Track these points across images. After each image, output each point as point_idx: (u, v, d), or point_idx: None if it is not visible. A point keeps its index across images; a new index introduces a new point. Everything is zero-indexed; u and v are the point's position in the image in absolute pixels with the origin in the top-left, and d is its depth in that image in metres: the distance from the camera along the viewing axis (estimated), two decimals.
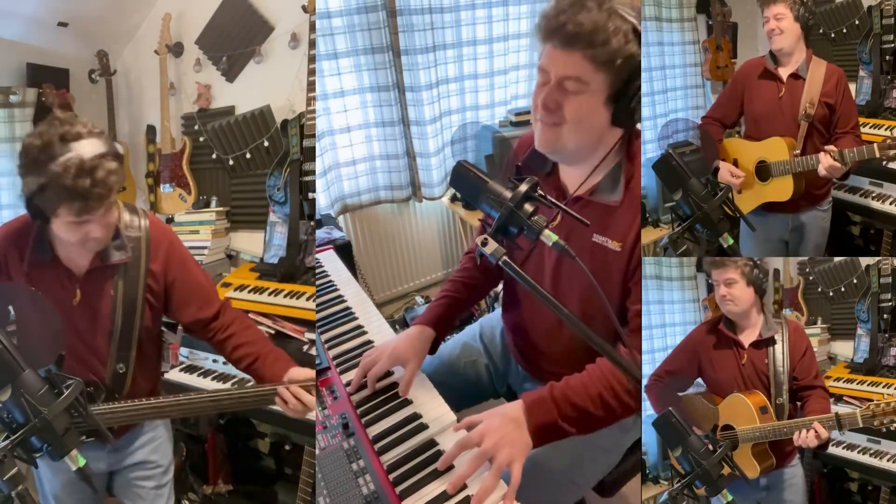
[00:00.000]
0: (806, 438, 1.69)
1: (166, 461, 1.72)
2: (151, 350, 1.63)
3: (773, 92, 2.06)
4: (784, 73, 2.04)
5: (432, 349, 1.58)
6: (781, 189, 2.03)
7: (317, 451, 1.31)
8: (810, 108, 1.97)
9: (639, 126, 1.37)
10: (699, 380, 2.03)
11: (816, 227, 2.15)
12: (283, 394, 1.42)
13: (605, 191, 1.35)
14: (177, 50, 2.56)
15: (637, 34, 1.20)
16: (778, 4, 1.97)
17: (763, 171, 2.05)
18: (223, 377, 2.20)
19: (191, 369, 2.26)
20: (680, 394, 2.00)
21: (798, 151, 1.99)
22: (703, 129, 2.14)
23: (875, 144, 1.85)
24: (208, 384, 2.19)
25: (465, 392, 1.74)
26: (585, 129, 1.26)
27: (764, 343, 1.87)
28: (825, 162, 1.88)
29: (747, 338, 1.90)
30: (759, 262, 1.90)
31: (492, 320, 1.84)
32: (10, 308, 1.30)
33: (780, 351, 1.86)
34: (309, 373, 1.47)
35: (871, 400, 2.33)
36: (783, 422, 1.77)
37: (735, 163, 2.10)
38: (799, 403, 1.85)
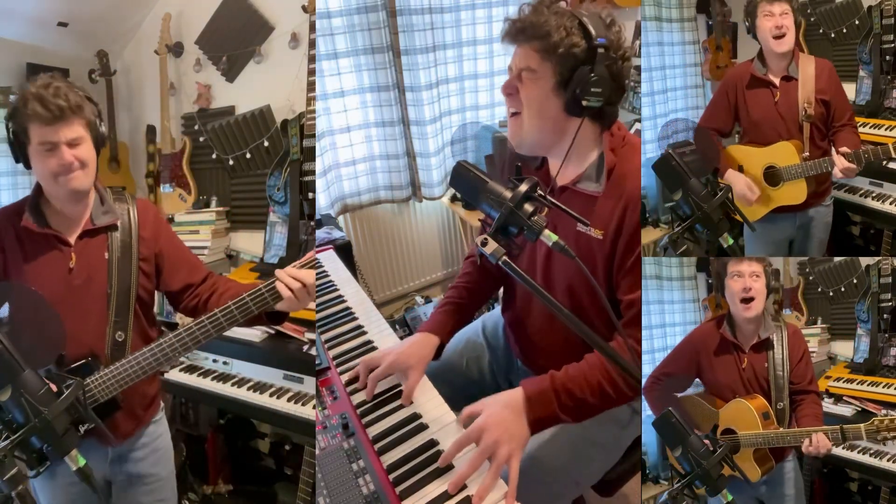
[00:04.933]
0: (817, 445, 1.68)
1: (166, 472, 1.72)
2: (147, 324, 1.63)
3: (767, 98, 2.03)
4: (775, 77, 2.01)
5: (437, 355, 1.59)
6: (795, 193, 2.01)
7: (317, 451, 1.31)
8: (809, 107, 1.95)
9: (621, 121, 1.47)
10: (697, 380, 2.03)
11: (821, 223, 2.13)
12: (283, 279, 1.41)
13: (588, 181, 1.43)
14: (177, 50, 2.56)
15: (583, 28, 1.32)
16: (782, 2, 1.92)
17: (773, 177, 2.02)
18: (223, 377, 2.20)
19: (191, 369, 2.25)
20: (679, 395, 1.99)
21: (807, 154, 1.97)
22: (702, 130, 2.11)
23: (890, 144, 1.84)
24: (208, 384, 2.19)
25: (467, 389, 1.74)
26: (539, 116, 1.38)
27: (763, 346, 1.87)
28: (840, 164, 1.87)
29: (748, 341, 1.90)
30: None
31: (494, 316, 1.85)
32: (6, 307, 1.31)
33: (779, 355, 1.86)
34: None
35: (871, 400, 2.34)
36: (787, 430, 1.77)
37: (740, 169, 2.08)
38: (792, 407, 1.85)
